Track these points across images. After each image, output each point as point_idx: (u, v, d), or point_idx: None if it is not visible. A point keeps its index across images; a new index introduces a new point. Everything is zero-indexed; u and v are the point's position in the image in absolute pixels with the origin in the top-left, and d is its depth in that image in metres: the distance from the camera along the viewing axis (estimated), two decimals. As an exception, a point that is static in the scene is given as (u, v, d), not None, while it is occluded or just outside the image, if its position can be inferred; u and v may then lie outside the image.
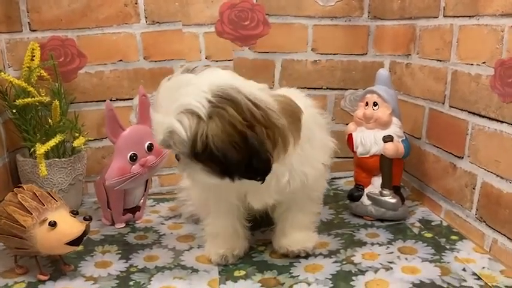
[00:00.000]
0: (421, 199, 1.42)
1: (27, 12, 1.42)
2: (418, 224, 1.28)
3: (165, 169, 1.54)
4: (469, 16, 1.17)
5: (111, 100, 1.49)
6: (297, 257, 1.12)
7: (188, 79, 0.92)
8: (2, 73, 1.27)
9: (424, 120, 1.39)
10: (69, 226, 1.00)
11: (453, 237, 1.20)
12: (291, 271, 1.07)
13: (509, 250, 1.04)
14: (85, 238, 1.02)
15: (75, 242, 1.00)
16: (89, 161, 1.49)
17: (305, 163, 1.03)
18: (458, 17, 1.22)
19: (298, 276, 1.05)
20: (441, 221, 1.29)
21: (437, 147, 1.33)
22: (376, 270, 1.05)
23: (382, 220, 1.30)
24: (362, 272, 1.05)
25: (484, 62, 1.12)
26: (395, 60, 1.55)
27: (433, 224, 1.28)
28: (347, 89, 1.59)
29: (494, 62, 1.07)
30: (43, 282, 1.04)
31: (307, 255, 1.12)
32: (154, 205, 1.49)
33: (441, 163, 1.31)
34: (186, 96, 0.89)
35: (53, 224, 0.98)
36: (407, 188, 1.50)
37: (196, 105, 0.88)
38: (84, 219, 1.01)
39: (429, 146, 1.37)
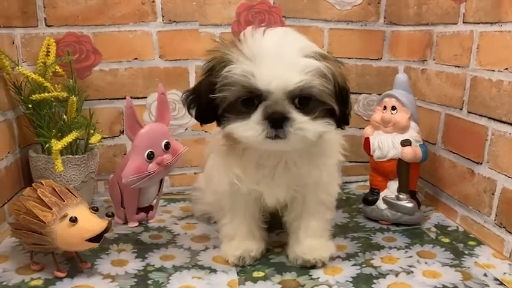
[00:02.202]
0: (436, 204, 1.42)
1: (44, 7, 1.41)
2: (434, 229, 1.28)
3: (176, 169, 1.53)
4: (491, 23, 1.17)
5: (124, 98, 1.46)
6: (313, 267, 1.07)
7: (291, 31, 0.96)
8: (19, 67, 1.26)
9: (440, 126, 1.39)
10: (91, 222, 0.98)
11: (471, 242, 1.20)
12: (310, 273, 1.06)
13: (531, 256, 1.04)
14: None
15: (95, 239, 0.98)
16: (100, 159, 1.47)
17: (322, 155, 1.02)
18: (479, 23, 1.22)
19: (318, 278, 1.04)
20: (457, 227, 1.29)
21: (454, 153, 1.33)
22: (397, 274, 1.05)
23: (397, 224, 1.29)
24: (383, 275, 1.04)
25: (506, 68, 1.12)
26: (410, 66, 1.56)
27: (449, 229, 1.28)
28: (361, 94, 1.60)
29: (518, 68, 1.08)
30: (60, 279, 1.02)
31: (323, 265, 1.08)
32: (165, 205, 1.48)
33: (457, 169, 1.31)
34: (305, 41, 0.93)
35: (74, 220, 0.96)
36: (421, 193, 1.50)
37: (321, 50, 0.92)
38: (107, 215, 1.00)
39: (445, 151, 1.37)
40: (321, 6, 1.52)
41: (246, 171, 1.02)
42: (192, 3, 1.47)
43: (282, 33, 0.94)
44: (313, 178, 1.04)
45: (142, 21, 1.46)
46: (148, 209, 1.35)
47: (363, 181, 1.61)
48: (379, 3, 1.53)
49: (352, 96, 1.56)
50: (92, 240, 0.98)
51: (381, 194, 1.32)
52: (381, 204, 1.31)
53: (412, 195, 1.30)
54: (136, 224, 1.32)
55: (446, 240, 1.21)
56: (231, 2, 1.48)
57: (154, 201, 1.36)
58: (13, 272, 1.05)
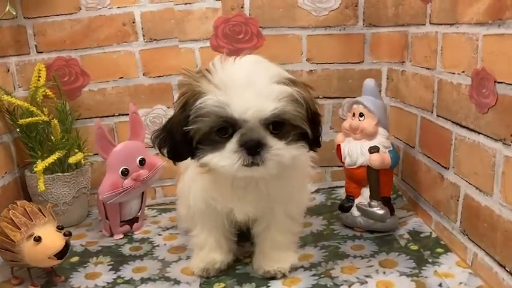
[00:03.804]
0: (415, 209, 1.39)
1: (34, 35, 1.51)
2: (406, 236, 1.26)
3: (168, 180, 1.59)
4: (450, 24, 1.14)
5: (113, 116, 1.57)
6: (273, 278, 1.10)
7: (260, 59, 0.97)
8: (5, 96, 1.37)
9: (416, 129, 1.37)
10: (52, 241, 1.06)
11: (439, 249, 1.17)
12: (268, 284, 1.09)
13: (487, 265, 1.01)
14: (68, 252, 1.08)
15: (58, 256, 1.06)
16: (95, 174, 1.56)
17: (291, 170, 1.02)
18: (441, 24, 1.19)
19: (274, 289, 1.07)
20: (431, 233, 1.26)
21: (428, 157, 1.30)
22: (350, 285, 1.05)
23: (371, 231, 1.29)
24: (337, 286, 1.05)
25: (463, 71, 1.09)
26: (392, 68, 1.53)
27: (422, 235, 1.26)
28: (344, 98, 1.58)
29: (471, 72, 1.04)
30: (34, 292, 1.11)
31: (283, 276, 1.10)
32: (156, 215, 1.54)
33: (431, 173, 1.28)
34: (275, 68, 0.95)
35: (37, 239, 1.04)
36: (405, 197, 1.47)
37: (290, 76, 0.95)
38: (64, 234, 1.07)
39: (421, 155, 1.34)
40: (297, 14, 1.52)
41: (222, 193, 1.06)
42: (171, 21, 1.52)
43: (252, 61, 0.96)
44: (282, 193, 1.06)
45: (125, 42, 1.53)
46: (133, 221, 1.42)
47: (351, 186, 1.60)
48: (356, 6, 1.52)
49: (336, 101, 1.59)
50: (55, 257, 1.06)
51: (355, 200, 1.32)
52: (355, 211, 1.31)
53: (386, 202, 1.28)
54: (121, 236, 1.39)
55: (415, 247, 1.20)
56: (208, 16, 1.52)
57: (139, 213, 1.43)
58: (-4, 287, 1.15)
